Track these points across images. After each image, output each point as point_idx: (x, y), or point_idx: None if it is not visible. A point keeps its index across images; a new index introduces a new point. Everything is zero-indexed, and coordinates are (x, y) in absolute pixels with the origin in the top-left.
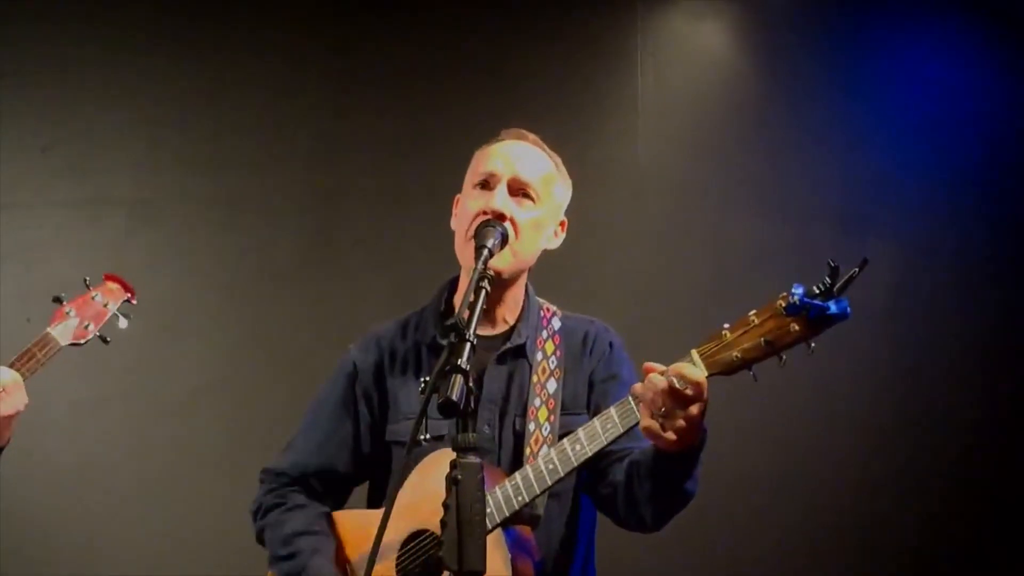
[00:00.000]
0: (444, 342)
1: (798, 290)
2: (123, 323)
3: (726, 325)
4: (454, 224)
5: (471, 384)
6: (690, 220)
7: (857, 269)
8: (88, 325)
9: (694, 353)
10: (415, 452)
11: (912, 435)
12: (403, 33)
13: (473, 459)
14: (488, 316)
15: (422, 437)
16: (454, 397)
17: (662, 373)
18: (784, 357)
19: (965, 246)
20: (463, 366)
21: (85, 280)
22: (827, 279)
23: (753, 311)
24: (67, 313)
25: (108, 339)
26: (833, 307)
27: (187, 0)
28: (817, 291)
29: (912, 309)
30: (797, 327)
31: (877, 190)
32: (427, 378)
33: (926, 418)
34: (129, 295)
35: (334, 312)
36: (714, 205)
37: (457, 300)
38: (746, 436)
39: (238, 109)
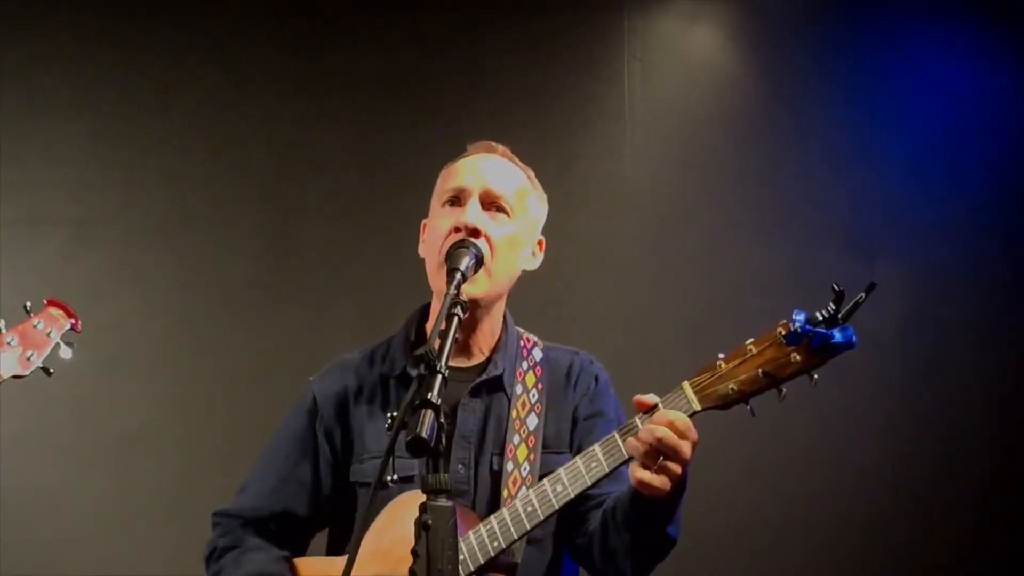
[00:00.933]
0: (415, 373)
1: (799, 317)
2: (67, 353)
3: (721, 355)
4: (423, 250)
5: (442, 420)
6: (682, 241)
7: (864, 294)
8: (31, 355)
9: (686, 385)
10: (382, 494)
11: (927, 473)
12: (370, 36)
13: (445, 502)
14: (463, 346)
15: (389, 478)
16: (423, 434)
17: (655, 405)
18: (784, 390)
19: (982, 268)
20: (433, 400)
21: (25, 306)
22: (831, 305)
23: (750, 340)
24: (8, 342)
25: (52, 371)
26: (838, 335)
27: (128, 2)
28: (820, 318)
29: (925, 337)
30: (799, 357)
31: (886, 208)
32: (394, 414)
33: (941, 455)
34: (73, 322)
35: (293, 341)
36: (708, 225)
37: (429, 328)
38: (744, 476)
39: (186, 119)
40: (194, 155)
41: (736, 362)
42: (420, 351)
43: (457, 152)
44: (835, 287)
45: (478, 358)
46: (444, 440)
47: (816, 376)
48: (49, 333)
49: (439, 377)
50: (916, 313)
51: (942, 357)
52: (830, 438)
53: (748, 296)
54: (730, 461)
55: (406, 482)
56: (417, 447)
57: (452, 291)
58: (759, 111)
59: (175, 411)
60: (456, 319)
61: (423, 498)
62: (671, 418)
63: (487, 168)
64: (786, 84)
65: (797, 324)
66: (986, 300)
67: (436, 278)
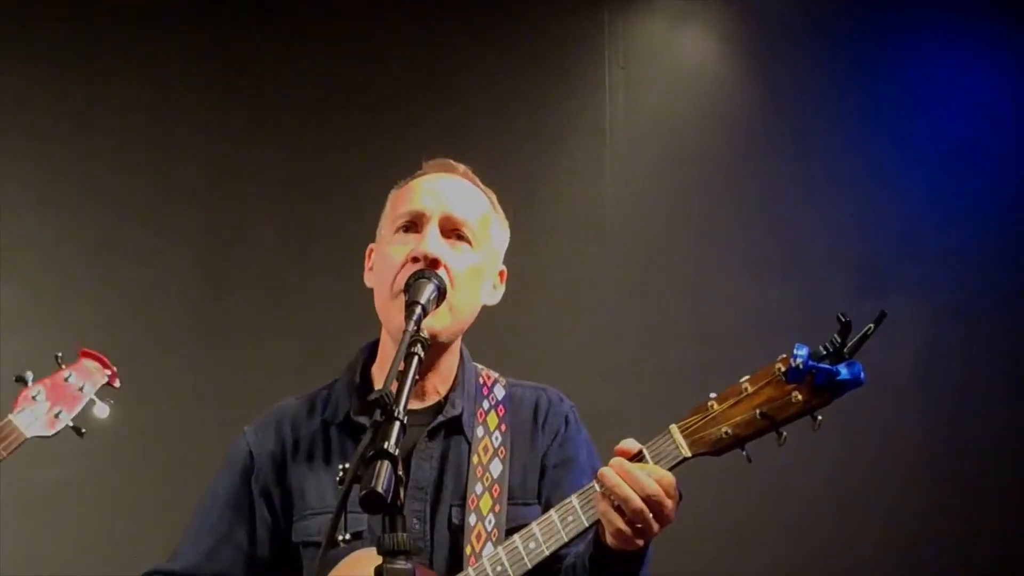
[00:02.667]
0: (361, 420)
1: (801, 351)
2: (103, 411)
3: (713, 395)
4: (370, 280)
5: (400, 473)
6: (669, 273)
7: (873, 325)
8: (59, 412)
9: (674, 429)
10: (330, 553)
11: (950, 536)
12: (316, 43)
13: (403, 565)
14: (417, 386)
15: (341, 538)
16: (380, 489)
17: (638, 454)
18: (784, 434)
19: (1009, 303)
20: (391, 451)
21: (56, 357)
22: (836, 337)
23: (746, 377)
24: (33, 397)
25: (84, 431)
26: (844, 371)
27: (41, 6)
28: (824, 352)
29: (945, 380)
30: (800, 396)
31: (901, 236)
32: (345, 465)
33: (966, 514)
34: (109, 375)
35: (229, 384)
36: (699, 255)
37: (376, 371)
38: (738, 536)
39: (111, 136)
40: (117, 175)
41: (730, 402)
42: (375, 395)
43: (409, 175)
44: (841, 317)
45: (432, 398)
46: (401, 495)
47: (820, 418)
48: (82, 387)
49: (397, 425)
50: (935, 353)
51: (965, 402)
52: (837, 493)
53: (744, 336)
54: (722, 517)
55: (355, 539)
56: (372, 504)
57: (412, 328)
58: (757, 126)
59: (96, 464)
60: (416, 359)
61: (375, 557)
62: (660, 475)
63: (447, 190)
64: (787, 95)
65: (799, 359)
66: (1014, 339)
67: (388, 311)
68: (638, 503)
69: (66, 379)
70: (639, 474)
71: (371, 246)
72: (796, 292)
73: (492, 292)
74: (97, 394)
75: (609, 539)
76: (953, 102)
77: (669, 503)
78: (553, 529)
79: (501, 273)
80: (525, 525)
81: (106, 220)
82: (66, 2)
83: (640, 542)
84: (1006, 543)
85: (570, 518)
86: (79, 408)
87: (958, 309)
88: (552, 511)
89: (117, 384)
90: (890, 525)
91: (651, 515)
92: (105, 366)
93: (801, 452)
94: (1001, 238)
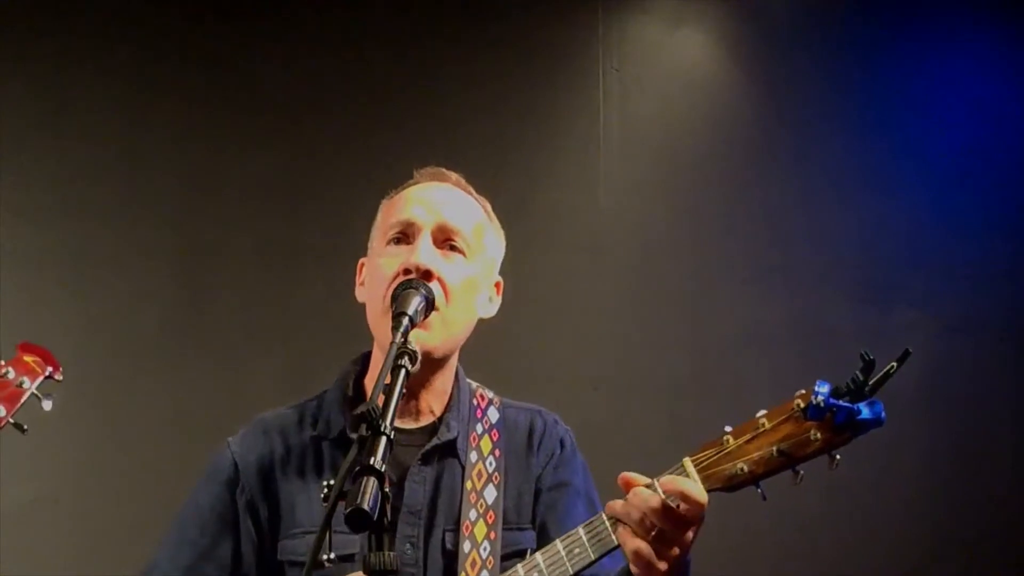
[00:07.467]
0: (355, 436)
1: (823, 388)
2: (47, 405)
3: (728, 428)
4: (362, 295)
5: (387, 489)
6: (665, 285)
7: (896, 363)
8: None
9: (687, 462)
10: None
11: (956, 566)
12: (298, 45)
13: None
14: (411, 405)
15: (324, 557)
16: (365, 506)
17: (648, 486)
18: (801, 472)
19: (1012, 312)
20: (377, 466)
21: None
22: (859, 375)
23: (762, 412)
24: None
25: (26, 428)
26: (865, 411)
27: (11, 5)
28: (845, 389)
29: (951, 401)
30: (820, 435)
31: (905, 247)
32: (330, 481)
33: (972, 544)
34: (52, 369)
35: (206, 398)
36: (696, 266)
37: (369, 383)
38: (744, 548)
39: (85, 141)
40: (92, 182)
41: (746, 437)
42: (361, 409)
43: (400, 181)
44: (865, 355)
45: (427, 418)
46: (389, 513)
47: (838, 457)
48: (21, 383)
49: (384, 440)
50: (940, 372)
51: (972, 425)
52: (838, 522)
53: (743, 348)
54: (721, 546)
55: (346, 561)
56: (358, 520)
57: (398, 339)
58: (756, 131)
59: (69, 479)
60: (403, 372)
61: None
62: (677, 485)
63: (440, 199)
64: (787, 99)
65: (820, 396)
66: (1021, 351)
67: (380, 326)
68: (648, 523)
69: (4, 375)
70: (641, 492)
71: (362, 260)
72: (796, 304)
73: (488, 304)
74: (40, 389)
75: (632, 568)
76: (959, 107)
77: (683, 508)
78: (558, 560)
79: (497, 284)
80: (520, 550)
81: (80, 228)
82: (37, 7)
83: (664, 566)
84: (1014, 558)
85: (576, 550)
86: (20, 405)
87: (964, 321)
88: (558, 541)
89: (59, 377)
90: (894, 541)
91: (666, 534)
92: (47, 360)
93: (802, 467)
94: (1008, 248)
